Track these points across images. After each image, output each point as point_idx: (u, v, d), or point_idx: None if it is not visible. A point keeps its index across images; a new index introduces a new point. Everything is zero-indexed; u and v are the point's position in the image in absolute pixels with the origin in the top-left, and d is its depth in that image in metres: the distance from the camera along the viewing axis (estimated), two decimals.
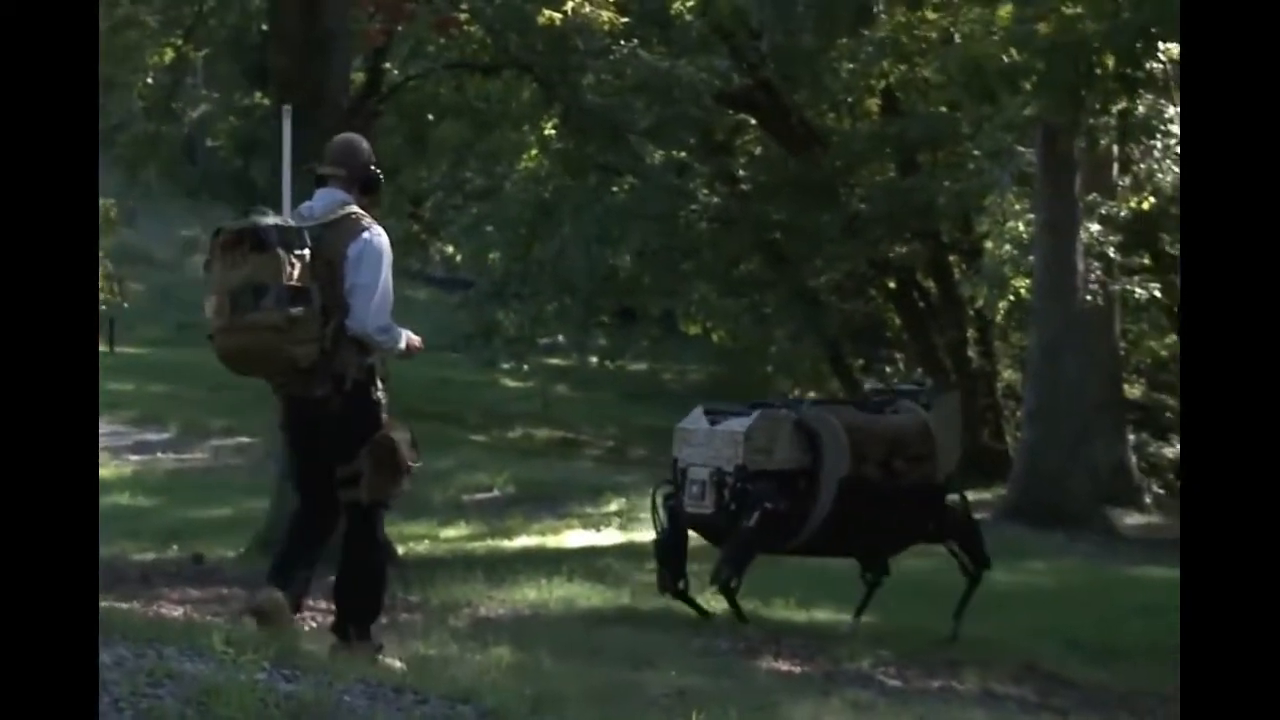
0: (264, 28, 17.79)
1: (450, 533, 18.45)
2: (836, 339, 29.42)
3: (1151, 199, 24.29)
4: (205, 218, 39.17)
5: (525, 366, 29.97)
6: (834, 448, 11.75)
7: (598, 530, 18.66)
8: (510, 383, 31.67)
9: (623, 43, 23.30)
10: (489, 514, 19.47)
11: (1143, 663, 11.96)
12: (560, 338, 30.52)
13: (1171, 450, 26.69)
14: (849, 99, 29.52)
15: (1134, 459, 24.39)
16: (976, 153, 25.71)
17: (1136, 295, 24.70)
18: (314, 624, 11.17)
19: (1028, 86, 19.02)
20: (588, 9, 19.68)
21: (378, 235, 8.41)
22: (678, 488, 11.98)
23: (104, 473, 18.00)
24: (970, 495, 14.21)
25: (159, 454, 23.72)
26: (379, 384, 8.41)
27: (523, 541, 17.69)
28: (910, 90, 29.13)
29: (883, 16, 26.13)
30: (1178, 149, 22.51)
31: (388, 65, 18.23)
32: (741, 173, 30.06)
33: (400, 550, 14.67)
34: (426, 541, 17.30)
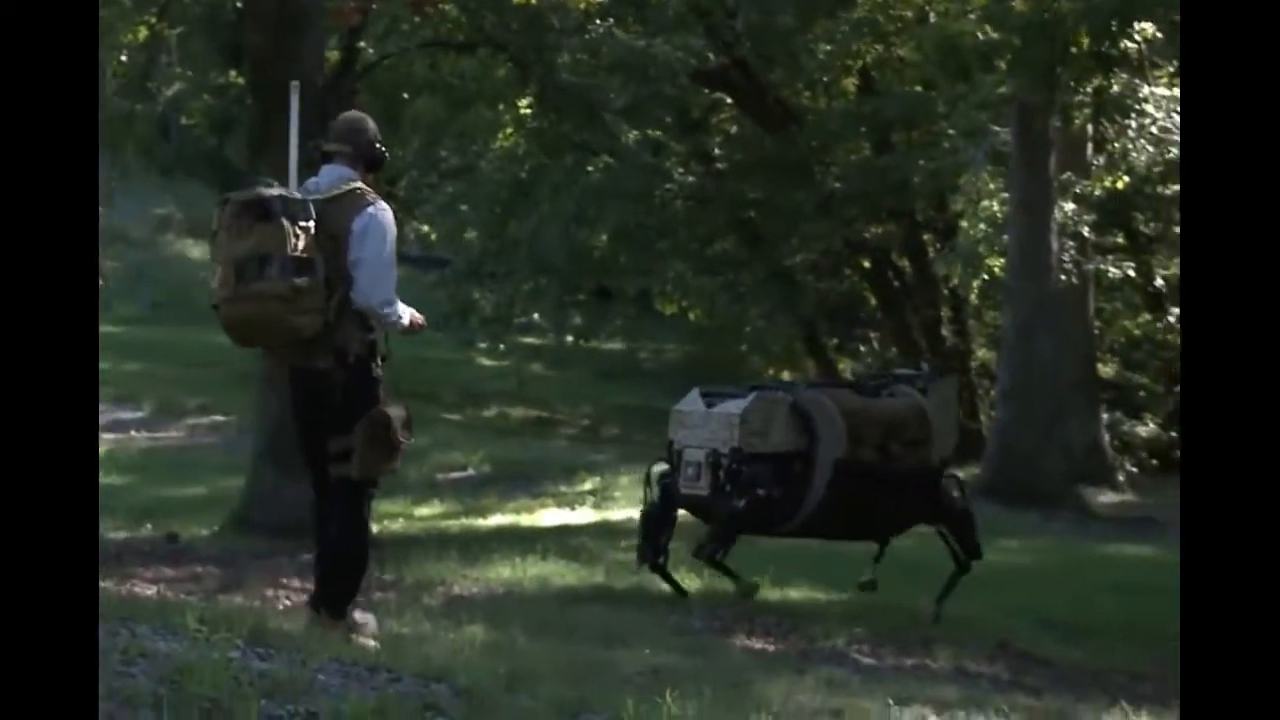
0: (238, 6, 17.72)
1: (425, 511, 18.44)
2: (812, 318, 29.42)
3: (1126, 178, 24.31)
4: (180, 196, 39.14)
5: (501, 346, 29.95)
6: (829, 431, 11.76)
7: (572, 509, 18.66)
8: (485, 361, 31.64)
9: (598, 21, 23.29)
10: (464, 492, 19.46)
11: (1116, 641, 11.99)
12: (536, 316, 30.48)
13: (1145, 429, 26.78)
14: (824, 78, 29.51)
15: (1107, 438, 24.44)
16: (951, 132, 25.70)
17: (1110, 274, 24.77)
18: (288, 602, 11.20)
19: (1003, 65, 19.05)
20: None
21: (382, 210, 8.50)
22: (673, 469, 11.99)
23: None
24: None
25: (133, 432, 23.66)
26: (379, 361, 8.44)
27: (497, 520, 17.68)
28: (886, 69, 29.14)
29: None
30: (1152, 129, 22.58)
31: (362, 44, 18.17)
32: (717, 151, 30.05)
33: (375, 529, 14.66)
34: (401, 520, 17.29)
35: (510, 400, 29.29)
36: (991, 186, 23.53)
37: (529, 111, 25.34)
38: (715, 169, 29.20)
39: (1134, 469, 24.84)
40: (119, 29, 18.79)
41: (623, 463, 21.43)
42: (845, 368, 30.54)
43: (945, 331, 29.12)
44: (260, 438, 15.44)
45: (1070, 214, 22.43)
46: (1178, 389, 28.05)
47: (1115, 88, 21.18)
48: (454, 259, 30.02)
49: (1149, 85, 22.49)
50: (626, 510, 17.60)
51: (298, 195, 8.37)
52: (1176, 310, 27.38)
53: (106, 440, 22.67)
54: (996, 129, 23.08)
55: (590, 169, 27.25)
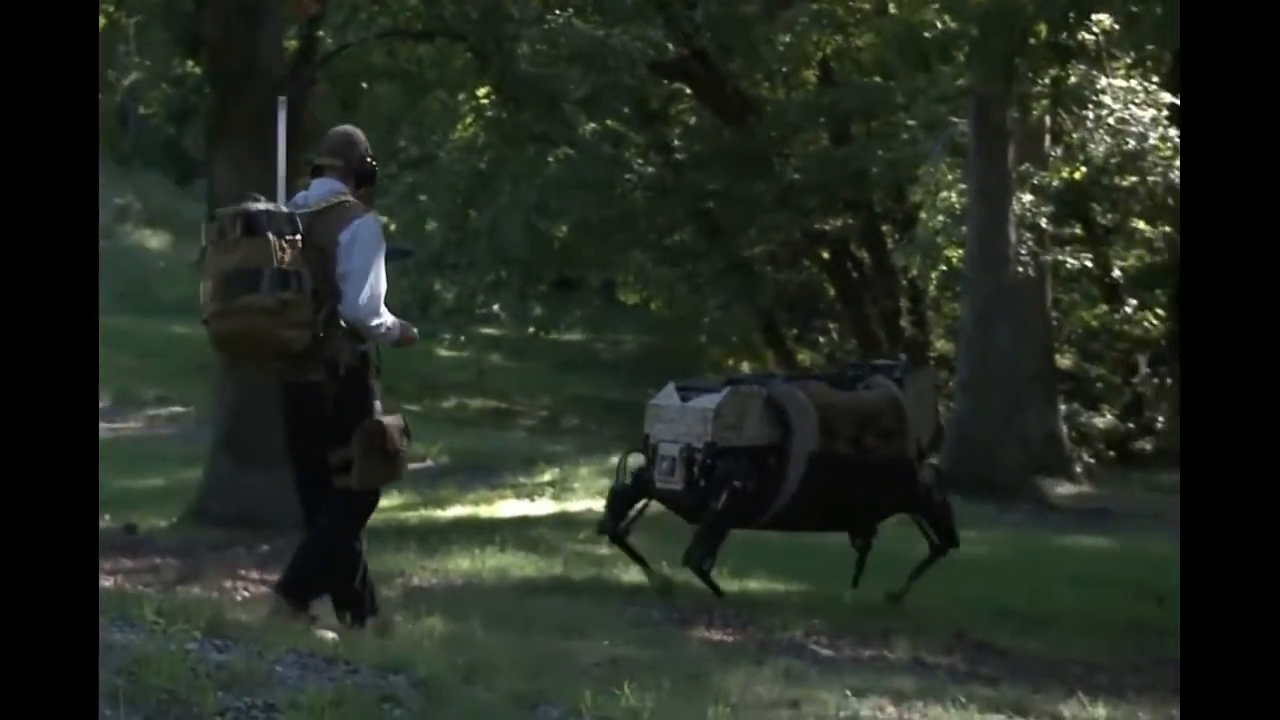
0: None
1: (383, 502, 18.21)
2: (770, 309, 29.47)
3: (1083, 169, 24.40)
4: (138, 184, 39.00)
5: (462, 337, 29.91)
6: (803, 423, 11.76)
7: (531, 500, 18.64)
8: (444, 352, 31.58)
9: (557, 12, 23.22)
10: (422, 484, 19.41)
11: (1072, 632, 12.03)
12: (496, 307, 30.44)
13: (1102, 420, 26.88)
14: (784, 69, 29.54)
15: (1065, 429, 24.51)
16: (910, 123, 25.76)
17: (1068, 265, 24.82)
18: (246, 593, 11.18)
19: (961, 56, 19.08)
20: None
21: (370, 223, 8.56)
22: (649, 463, 11.98)
23: None
24: None
25: None
26: (374, 371, 8.45)
27: (456, 511, 17.66)
28: (845, 60, 29.18)
29: None
30: (1110, 120, 22.64)
31: (321, 34, 18.11)
32: (676, 142, 30.05)
33: None
34: None
35: (469, 391, 29.27)
36: (950, 178, 23.60)
37: (488, 101, 25.27)
38: (674, 160, 29.20)
39: (1091, 460, 24.92)
40: None
41: (581, 454, 21.42)
42: (805, 358, 30.60)
43: (904, 322, 29.20)
44: (218, 429, 15.40)
45: (1028, 205, 22.50)
46: (1134, 380, 28.22)
47: (1073, 79, 21.25)
48: (415, 249, 29.97)
49: (1106, 76, 22.56)
50: (585, 501, 17.60)
51: (284, 209, 8.39)
52: (1134, 302, 27.52)
53: None
54: (955, 120, 23.14)
55: (550, 160, 27.21)
